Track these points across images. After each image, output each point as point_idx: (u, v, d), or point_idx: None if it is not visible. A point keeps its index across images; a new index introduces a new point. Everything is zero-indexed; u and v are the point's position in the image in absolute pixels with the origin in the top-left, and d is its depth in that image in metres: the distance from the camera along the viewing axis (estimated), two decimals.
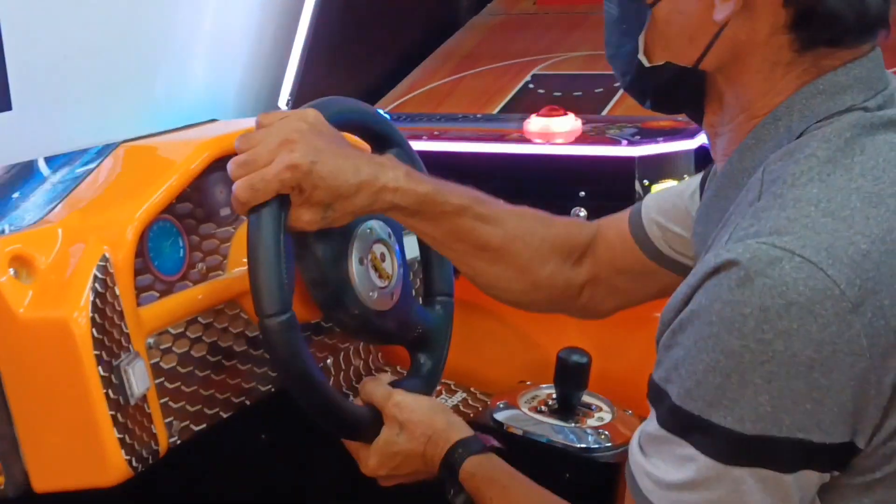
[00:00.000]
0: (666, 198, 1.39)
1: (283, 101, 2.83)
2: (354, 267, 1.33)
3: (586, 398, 1.67)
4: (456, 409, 1.75)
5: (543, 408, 1.67)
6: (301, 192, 1.20)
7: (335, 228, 1.28)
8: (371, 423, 1.30)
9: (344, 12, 2.95)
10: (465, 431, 1.32)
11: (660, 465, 0.96)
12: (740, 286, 0.88)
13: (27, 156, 1.66)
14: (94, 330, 1.17)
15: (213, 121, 2.25)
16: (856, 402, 0.89)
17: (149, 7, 2.58)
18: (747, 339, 0.87)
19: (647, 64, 1.09)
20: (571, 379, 1.63)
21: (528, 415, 1.65)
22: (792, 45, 1.00)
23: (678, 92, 1.11)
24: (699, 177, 1.27)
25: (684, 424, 0.92)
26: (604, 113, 2.64)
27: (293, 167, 1.15)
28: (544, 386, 1.70)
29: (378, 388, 1.34)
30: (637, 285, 1.42)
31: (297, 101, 2.80)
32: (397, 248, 1.42)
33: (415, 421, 1.32)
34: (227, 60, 2.82)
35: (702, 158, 2.34)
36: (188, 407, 1.30)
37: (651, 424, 0.96)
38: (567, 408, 1.65)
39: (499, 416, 1.66)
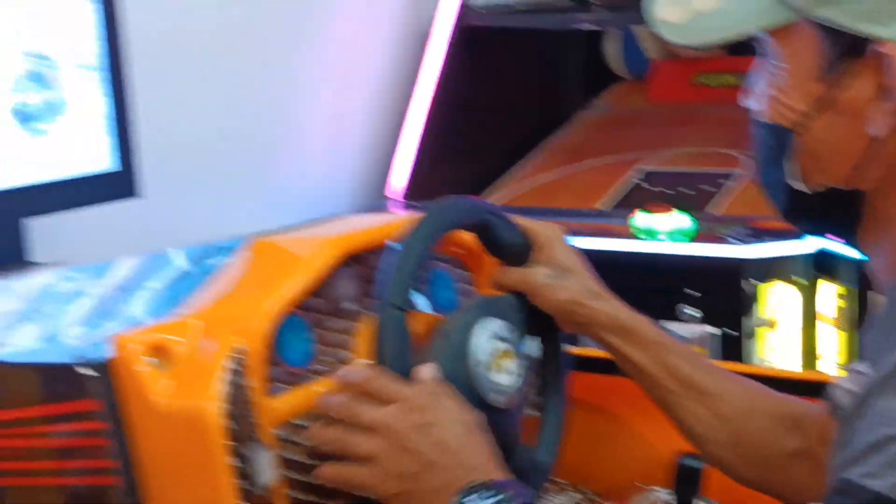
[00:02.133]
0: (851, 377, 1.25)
1: (391, 191, 2.91)
2: (477, 363, 1.32)
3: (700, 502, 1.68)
4: None
5: None
6: None
7: None
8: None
9: (454, 107, 3.01)
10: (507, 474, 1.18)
11: None
12: None
13: (153, 242, 1.70)
14: (228, 420, 1.20)
15: (332, 216, 2.29)
16: None
17: (272, 103, 2.70)
18: None
19: (797, 188, 1.10)
20: (690, 484, 1.64)
21: None
22: None
23: (832, 214, 1.11)
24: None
25: None
26: (712, 210, 2.66)
27: None
28: (657, 489, 1.70)
29: None
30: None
31: (410, 190, 2.88)
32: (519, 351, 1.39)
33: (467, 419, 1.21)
34: (343, 153, 2.92)
35: (821, 262, 2.37)
36: (311, 498, 1.32)
37: None
38: None
39: None
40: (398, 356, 1.24)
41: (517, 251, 1.43)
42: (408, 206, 2.93)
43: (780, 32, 1.06)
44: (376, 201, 2.97)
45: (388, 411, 1.18)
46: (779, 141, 1.10)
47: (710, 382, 1.36)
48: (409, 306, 1.31)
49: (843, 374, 1.28)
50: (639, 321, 1.39)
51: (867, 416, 0.96)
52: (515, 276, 1.40)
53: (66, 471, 1.30)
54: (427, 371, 1.23)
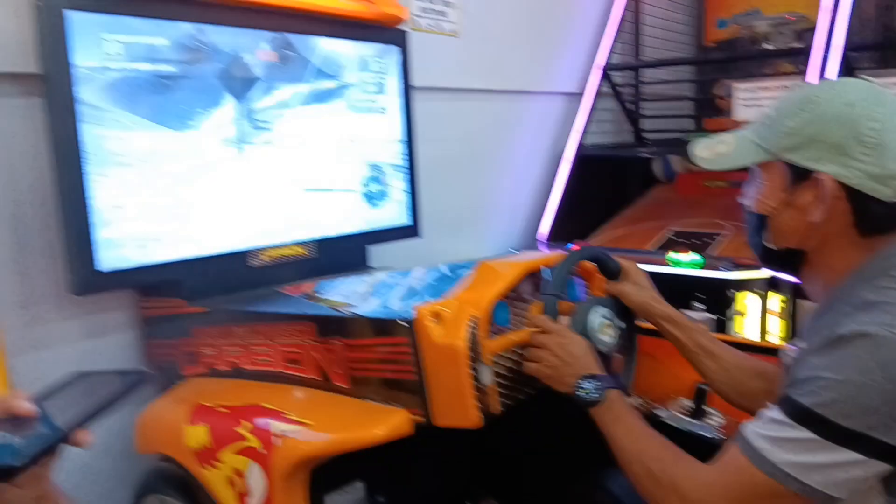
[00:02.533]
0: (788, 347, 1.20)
1: (540, 235, 2.90)
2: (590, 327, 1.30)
3: (707, 408, 1.59)
4: (636, 406, 1.65)
5: (684, 411, 1.60)
6: None
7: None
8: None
9: (575, 191, 2.96)
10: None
11: (773, 432, 0.88)
12: (870, 347, 0.83)
13: (429, 260, 1.67)
14: (468, 350, 1.20)
15: (511, 251, 2.28)
16: None
17: (485, 187, 2.74)
18: (869, 378, 0.82)
19: (769, 247, 1.05)
20: (701, 397, 1.57)
21: (675, 414, 1.58)
22: (857, 233, 0.96)
23: (788, 261, 1.05)
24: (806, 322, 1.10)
25: (812, 419, 0.84)
26: (711, 252, 2.55)
27: None
28: (684, 399, 1.63)
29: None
30: None
31: (550, 236, 2.89)
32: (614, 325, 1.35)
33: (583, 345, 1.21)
34: (516, 214, 2.93)
35: (771, 282, 2.25)
36: (507, 392, 1.30)
37: (773, 414, 0.89)
38: (697, 413, 1.58)
39: (659, 413, 1.59)
40: (553, 314, 1.26)
41: (615, 274, 1.40)
42: (549, 245, 2.89)
43: (764, 165, 1.02)
44: (532, 241, 2.94)
45: (547, 336, 1.22)
46: (760, 221, 1.05)
47: (716, 349, 1.30)
48: (561, 296, 1.31)
49: (785, 345, 1.23)
50: (679, 315, 1.34)
51: (803, 364, 0.90)
52: (615, 286, 1.37)
53: (389, 369, 1.30)
54: (565, 321, 1.26)
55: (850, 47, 2.59)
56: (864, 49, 2.93)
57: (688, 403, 1.58)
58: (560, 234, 2.88)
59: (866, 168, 0.92)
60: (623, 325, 1.37)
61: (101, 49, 1.40)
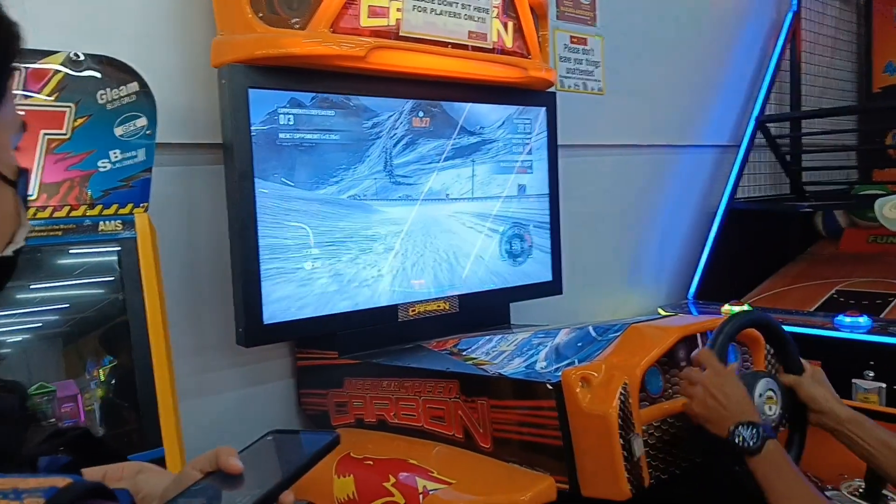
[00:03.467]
0: None
1: (690, 295, 2.77)
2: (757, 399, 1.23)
3: (885, 492, 1.44)
4: None
5: (856, 493, 1.46)
6: None
7: None
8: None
9: (728, 248, 2.83)
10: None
11: None
12: None
13: (569, 319, 1.66)
14: (619, 420, 1.16)
15: (660, 311, 2.19)
16: None
17: (627, 249, 2.68)
18: None
19: None
20: (877, 479, 1.42)
21: (847, 496, 1.44)
22: None
23: None
24: None
25: None
26: (883, 315, 2.33)
27: None
28: (857, 480, 1.48)
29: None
30: None
31: (701, 294, 2.76)
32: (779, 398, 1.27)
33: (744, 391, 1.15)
34: (665, 269, 2.82)
35: None
36: (658, 464, 1.24)
37: None
38: (873, 495, 1.43)
39: (829, 494, 1.45)
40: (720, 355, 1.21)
41: (796, 368, 1.31)
42: (697, 305, 2.75)
43: None
44: (680, 300, 2.81)
45: (708, 374, 1.16)
46: None
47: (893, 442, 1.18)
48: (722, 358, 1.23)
49: None
50: (853, 414, 1.23)
51: None
52: (792, 379, 1.29)
53: (534, 433, 1.28)
54: (729, 365, 1.20)
55: None
56: None
57: (860, 484, 1.43)
58: (711, 292, 2.74)
59: None
60: (787, 409, 1.27)
61: (275, 120, 1.52)
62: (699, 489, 1.33)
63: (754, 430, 1.08)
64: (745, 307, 2.34)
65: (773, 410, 1.24)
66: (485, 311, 1.93)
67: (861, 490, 1.44)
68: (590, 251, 2.49)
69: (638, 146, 2.66)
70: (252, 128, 1.48)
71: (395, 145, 1.73)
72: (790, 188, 3.10)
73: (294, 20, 1.51)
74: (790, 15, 3.09)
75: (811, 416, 1.27)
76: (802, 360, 1.33)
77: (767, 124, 2.92)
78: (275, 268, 1.52)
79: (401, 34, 1.65)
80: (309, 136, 1.58)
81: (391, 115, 1.72)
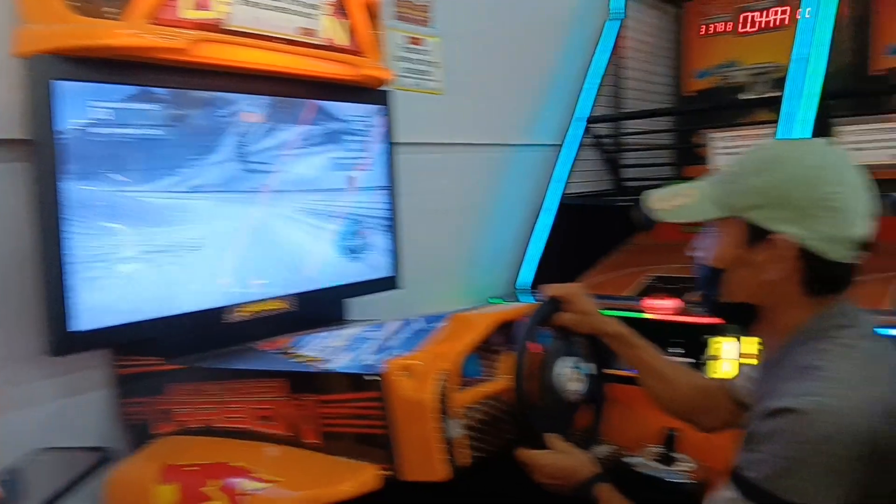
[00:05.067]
0: (745, 375, 1.27)
1: (521, 285, 2.92)
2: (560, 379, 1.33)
3: (676, 454, 1.61)
4: (607, 454, 1.68)
5: (654, 458, 1.61)
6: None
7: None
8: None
9: (557, 241, 2.99)
10: (596, 468, 1.23)
11: None
12: (801, 423, 0.86)
13: (407, 312, 1.69)
14: (437, 405, 1.21)
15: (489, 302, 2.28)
16: (851, 489, 0.85)
17: (459, 235, 2.77)
18: (804, 454, 0.85)
19: (722, 301, 1.07)
20: (670, 444, 1.58)
21: (645, 461, 1.60)
22: (806, 292, 0.99)
23: (740, 314, 1.07)
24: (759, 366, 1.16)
25: (760, 496, 0.88)
26: (689, 297, 2.56)
27: None
28: (655, 446, 1.63)
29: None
30: (725, 416, 1.28)
31: (532, 285, 2.90)
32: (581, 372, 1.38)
33: (573, 452, 1.26)
34: (500, 262, 2.94)
35: None
36: (477, 444, 1.30)
37: (729, 493, 0.92)
38: (667, 459, 1.59)
39: (631, 461, 1.63)
40: (522, 388, 1.28)
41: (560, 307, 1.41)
42: (528, 293, 2.89)
43: (721, 221, 1.04)
44: (510, 290, 2.94)
45: (538, 473, 1.26)
46: (713, 275, 1.06)
47: (662, 366, 1.35)
48: (532, 342, 1.32)
49: (738, 372, 1.33)
50: (628, 333, 1.38)
51: (750, 433, 0.93)
52: (560, 319, 1.39)
53: (359, 424, 1.30)
54: (554, 442, 1.27)
55: (824, 95, 2.65)
56: (839, 97, 2.99)
57: (658, 450, 1.58)
58: (541, 282, 2.88)
59: (825, 230, 0.95)
60: (591, 369, 1.38)
61: (87, 115, 1.43)
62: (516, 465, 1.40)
63: (586, 491, 1.18)
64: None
65: (575, 386, 1.33)
66: (322, 308, 1.92)
67: (658, 454, 1.60)
68: (430, 246, 2.55)
69: (475, 145, 2.76)
70: (61, 123, 1.39)
71: (226, 140, 1.68)
72: (613, 184, 3.34)
73: (110, 10, 1.43)
74: (610, 21, 3.32)
75: (591, 323, 1.39)
76: (561, 292, 1.43)
77: (592, 124, 3.12)
78: (87, 272, 1.43)
79: (226, 28, 1.61)
80: (132, 131, 1.50)
81: (222, 110, 1.67)
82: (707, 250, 1.08)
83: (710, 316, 1.14)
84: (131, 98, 1.51)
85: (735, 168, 1.04)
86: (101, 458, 0.60)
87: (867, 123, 2.54)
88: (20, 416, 1.55)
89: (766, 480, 0.87)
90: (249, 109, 1.73)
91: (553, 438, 1.27)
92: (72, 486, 0.58)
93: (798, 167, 0.96)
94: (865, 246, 0.97)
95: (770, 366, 1.04)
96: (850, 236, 0.95)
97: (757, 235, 0.99)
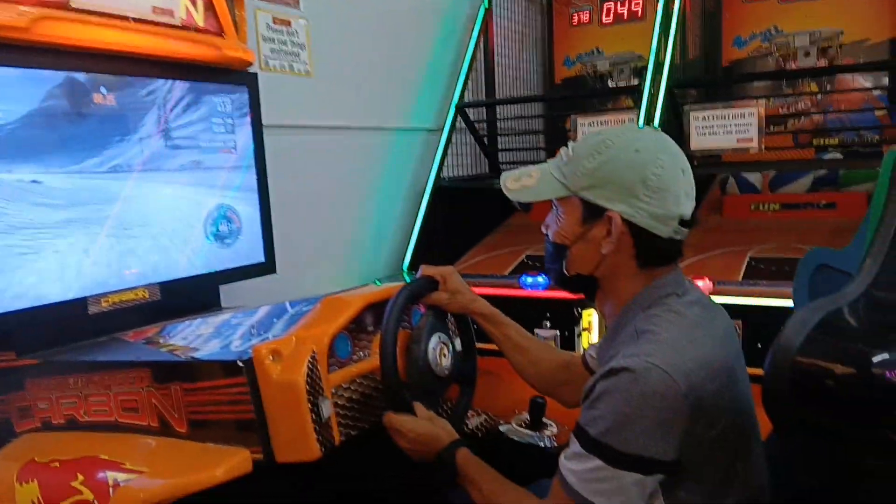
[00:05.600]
0: (592, 347, 1.36)
1: (404, 266, 2.97)
2: (430, 355, 1.37)
3: (544, 420, 1.69)
4: (479, 424, 1.75)
5: (523, 424, 1.70)
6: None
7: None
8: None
9: (435, 222, 3.05)
10: (456, 436, 1.27)
11: (576, 466, 0.98)
12: (633, 381, 0.93)
13: (281, 299, 1.70)
14: (307, 385, 1.23)
15: (367, 284, 2.31)
16: (683, 440, 0.94)
17: (339, 218, 2.77)
18: (635, 409, 0.93)
19: (567, 273, 1.14)
20: (537, 410, 1.67)
21: (515, 428, 1.68)
22: (638, 265, 1.07)
23: (583, 285, 1.14)
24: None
25: (598, 448, 0.95)
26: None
27: None
28: (524, 413, 1.72)
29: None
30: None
31: (410, 265, 2.96)
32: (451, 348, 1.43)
33: (436, 420, 1.29)
34: (382, 245, 2.98)
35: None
36: (349, 422, 1.34)
37: (574, 448, 0.99)
38: (535, 425, 1.68)
39: (502, 428, 1.69)
40: (391, 364, 1.29)
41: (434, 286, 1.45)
42: (409, 274, 2.93)
43: (563, 200, 1.11)
44: (397, 272, 2.98)
45: (399, 437, 1.28)
46: (558, 250, 1.14)
47: (526, 343, 1.43)
48: (400, 320, 1.34)
49: (589, 347, 1.40)
50: (495, 312, 1.45)
51: (590, 390, 0.99)
52: (432, 298, 1.43)
53: (229, 410, 1.29)
54: (418, 409, 1.30)
55: (675, 84, 2.85)
56: (687, 86, 3.23)
57: (526, 416, 1.67)
58: (423, 263, 2.94)
59: (649, 209, 1.03)
60: (459, 344, 1.44)
61: None
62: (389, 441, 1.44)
63: (446, 458, 1.22)
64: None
65: (446, 360, 1.39)
66: (192, 296, 1.88)
67: (527, 421, 1.69)
68: (307, 230, 2.54)
69: (348, 128, 2.77)
70: None
71: (84, 122, 1.61)
72: (488, 167, 3.45)
73: None
74: (482, 10, 3.41)
75: (461, 302, 1.44)
76: (433, 273, 1.47)
77: (466, 109, 3.20)
78: None
79: (73, 5, 1.54)
80: None
81: (73, 91, 1.59)
82: (552, 227, 1.15)
83: (557, 288, 1.20)
84: None
85: (572, 152, 1.11)
86: None
87: (715, 109, 2.74)
88: None
89: (604, 434, 0.94)
90: (104, 91, 1.66)
91: (418, 406, 1.30)
92: None
93: (624, 151, 1.04)
94: (688, 223, 1.07)
95: (609, 333, 1.12)
96: (672, 214, 1.04)
97: (592, 213, 1.07)
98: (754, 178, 3.10)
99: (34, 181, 1.52)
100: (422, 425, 1.27)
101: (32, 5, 1.46)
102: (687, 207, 1.06)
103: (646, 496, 0.96)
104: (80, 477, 1.28)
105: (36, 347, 1.54)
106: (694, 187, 1.09)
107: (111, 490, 1.24)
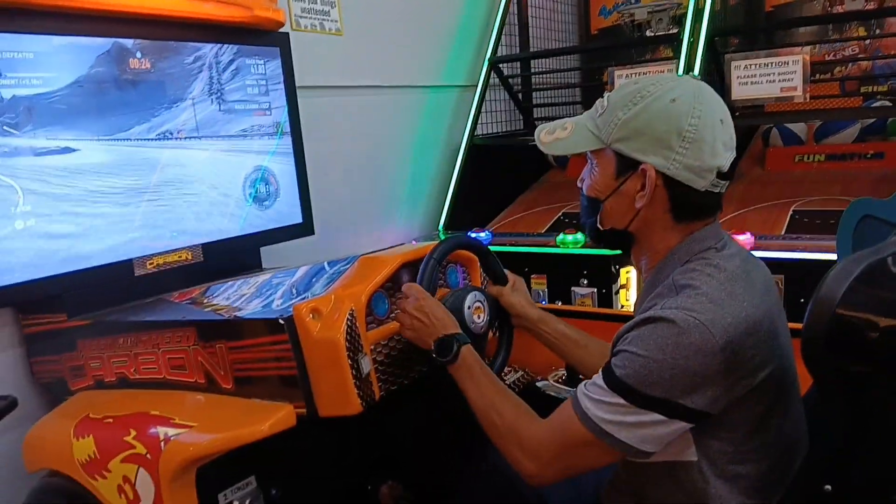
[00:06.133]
0: None
1: (440, 225, 2.98)
2: (465, 313, 1.38)
3: (581, 376, 1.69)
4: (517, 379, 1.77)
5: (560, 380, 1.71)
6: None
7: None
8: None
9: (471, 181, 3.05)
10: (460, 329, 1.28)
11: (595, 395, 0.98)
12: (670, 331, 0.93)
13: (320, 259, 1.72)
14: (346, 343, 1.25)
15: (402, 244, 2.32)
16: (713, 391, 0.94)
17: (374, 178, 2.79)
18: (667, 356, 0.92)
19: (601, 228, 1.12)
20: (574, 368, 1.67)
21: (552, 384, 1.70)
22: (674, 219, 1.05)
23: (617, 240, 1.12)
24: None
25: (622, 388, 0.95)
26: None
27: None
28: (561, 370, 1.73)
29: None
30: None
31: (451, 224, 2.97)
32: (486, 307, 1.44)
33: (443, 304, 1.32)
34: (418, 204, 3.00)
35: None
36: (388, 378, 1.36)
37: (597, 381, 0.99)
38: (572, 380, 1.69)
39: (539, 384, 1.71)
40: (422, 281, 1.32)
41: (500, 279, 1.49)
42: (445, 234, 2.95)
43: (597, 152, 1.09)
44: (433, 232, 3.00)
45: (407, 300, 1.30)
46: (592, 204, 1.12)
47: (583, 339, 1.40)
48: (435, 277, 1.36)
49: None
50: (542, 314, 1.44)
51: (623, 336, 0.99)
52: (495, 289, 1.46)
53: (272, 367, 1.32)
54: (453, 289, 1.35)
55: (715, 33, 2.77)
56: (728, 34, 3.13)
57: (563, 372, 1.67)
58: (460, 222, 2.96)
59: (685, 160, 1.00)
60: (494, 316, 1.46)
61: None
62: (428, 397, 1.47)
63: (449, 342, 1.23)
64: (448, 235, 2.58)
65: (481, 319, 1.40)
66: (234, 257, 1.93)
67: (563, 377, 1.70)
68: (343, 191, 2.56)
69: (380, 87, 2.76)
70: None
71: (121, 89, 1.64)
72: (523, 123, 3.41)
73: None
74: None
75: (513, 320, 1.47)
76: (507, 273, 1.51)
77: (499, 65, 3.16)
78: None
79: None
80: (14, 82, 1.44)
81: (110, 57, 1.62)
82: (586, 181, 1.13)
83: (593, 242, 1.19)
84: (13, 49, 1.45)
85: (606, 102, 1.08)
86: (6, 406, 0.60)
87: (757, 58, 2.65)
88: None
89: (630, 376, 0.94)
90: (139, 55, 1.69)
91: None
92: None
93: (660, 101, 1.01)
94: (727, 175, 1.04)
95: (646, 286, 1.11)
96: (709, 166, 1.01)
97: (626, 166, 1.04)
98: (798, 128, 3.01)
99: (80, 148, 1.56)
100: (440, 307, 1.30)
101: None
102: (725, 159, 1.03)
103: (664, 438, 0.96)
104: (133, 432, 1.34)
105: (85, 309, 1.60)
106: (734, 138, 1.06)
107: (162, 444, 1.29)
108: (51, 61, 1.51)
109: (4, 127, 1.44)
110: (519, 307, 1.45)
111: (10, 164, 1.45)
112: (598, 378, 0.99)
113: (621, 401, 0.95)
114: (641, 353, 0.94)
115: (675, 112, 1.00)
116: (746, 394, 0.96)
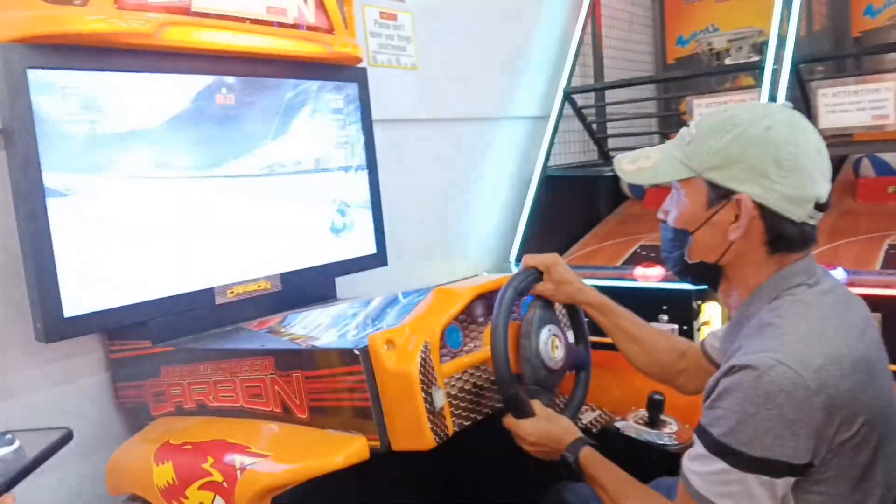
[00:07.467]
0: (713, 335, 1.29)
1: (511, 257, 2.95)
2: (541, 349, 1.34)
3: (663, 417, 1.64)
4: (594, 419, 1.72)
5: (641, 422, 1.65)
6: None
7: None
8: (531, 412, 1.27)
9: (544, 213, 3.01)
10: (579, 433, 1.24)
11: (700, 468, 0.94)
12: (756, 379, 0.88)
13: (392, 288, 1.72)
14: (420, 375, 1.24)
15: (475, 275, 2.30)
16: (815, 441, 0.89)
17: (452, 219, 2.80)
18: (760, 408, 0.88)
19: (688, 261, 1.09)
20: (656, 407, 1.61)
21: (632, 425, 1.63)
22: (768, 251, 1.01)
23: (706, 274, 1.09)
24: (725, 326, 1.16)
25: (722, 450, 0.91)
26: None
27: None
28: (641, 410, 1.67)
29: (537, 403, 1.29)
30: (703, 377, 1.24)
31: (519, 256, 2.92)
32: (563, 339, 1.40)
33: (556, 418, 1.25)
34: (490, 236, 2.98)
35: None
36: (462, 412, 1.34)
37: (697, 449, 0.95)
38: (653, 422, 1.63)
39: (618, 425, 1.64)
40: (504, 362, 1.25)
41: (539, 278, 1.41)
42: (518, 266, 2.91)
43: (685, 182, 1.05)
44: (504, 264, 2.98)
45: (523, 440, 1.26)
46: (679, 237, 1.08)
47: (640, 332, 1.36)
48: (510, 311, 1.31)
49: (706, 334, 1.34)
50: (604, 301, 1.38)
51: (713, 386, 0.94)
52: (538, 289, 1.39)
53: (347, 398, 1.32)
54: (536, 408, 1.26)
55: (800, 60, 2.67)
56: (814, 61, 3.02)
57: (644, 413, 1.61)
58: (533, 250, 2.92)
59: (783, 190, 0.96)
60: (568, 333, 1.42)
61: (63, 102, 1.45)
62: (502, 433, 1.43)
63: (570, 454, 1.19)
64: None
65: (558, 353, 1.36)
66: (310, 287, 1.95)
67: (645, 418, 1.64)
68: (414, 222, 2.58)
69: (454, 119, 2.78)
70: (34, 110, 1.41)
71: (203, 125, 1.70)
72: (597, 154, 3.37)
73: None
74: None
75: (568, 292, 1.38)
76: (538, 262, 1.41)
77: (573, 95, 3.14)
78: (73, 258, 1.46)
79: (194, 10, 1.62)
80: (102, 117, 1.52)
81: (193, 94, 1.69)
82: (673, 213, 1.09)
83: (677, 277, 1.15)
84: (106, 84, 1.53)
85: (694, 130, 1.04)
86: (62, 439, 0.62)
87: (846, 85, 2.55)
88: (15, 405, 1.59)
89: (726, 435, 0.89)
90: (226, 92, 1.75)
91: (536, 405, 1.27)
92: (34, 466, 0.60)
93: (754, 128, 0.97)
94: (823, 206, 1.00)
95: (733, 324, 1.06)
96: (808, 196, 0.97)
97: (719, 196, 1.00)
98: (891, 157, 2.86)
99: (172, 182, 1.63)
100: (542, 427, 1.24)
101: (157, 11, 1.55)
102: (824, 189, 0.99)
103: (777, 499, 0.90)
104: (210, 459, 1.36)
105: (168, 336, 1.64)
106: (830, 168, 1.02)
107: (238, 473, 1.30)
108: (139, 98, 1.59)
109: (104, 159, 1.51)
110: (566, 299, 1.39)
111: (106, 193, 1.52)
112: (698, 446, 0.95)
113: (723, 465, 0.90)
114: (732, 408, 0.90)
115: (773, 140, 0.97)
116: (848, 440, 0.90)
